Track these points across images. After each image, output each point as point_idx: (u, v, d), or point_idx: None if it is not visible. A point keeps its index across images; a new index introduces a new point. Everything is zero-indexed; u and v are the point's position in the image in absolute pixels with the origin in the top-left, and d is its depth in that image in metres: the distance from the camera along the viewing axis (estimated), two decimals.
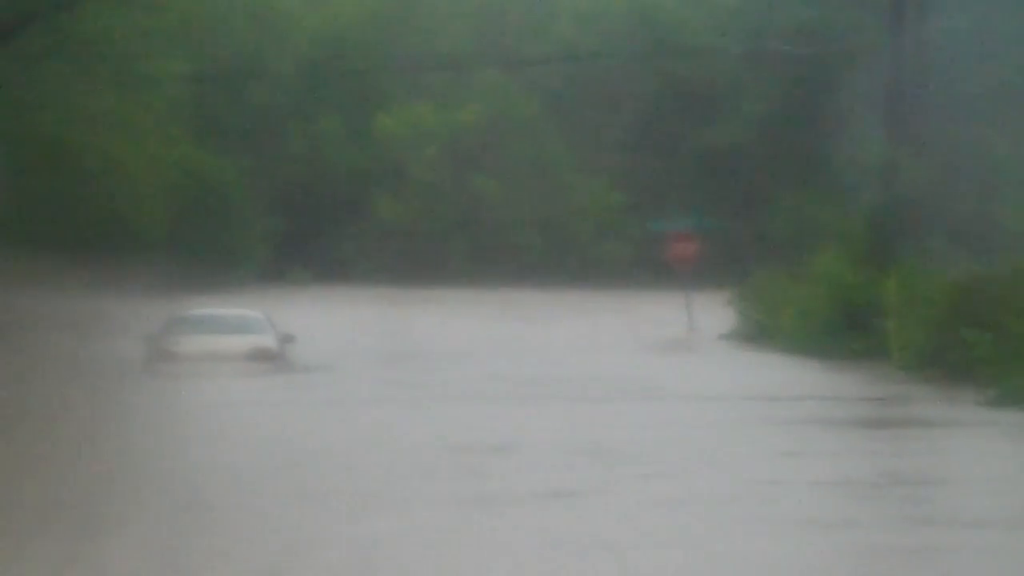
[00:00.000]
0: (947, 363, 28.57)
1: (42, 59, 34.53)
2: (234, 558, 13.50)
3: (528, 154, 68.52)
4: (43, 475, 19.50)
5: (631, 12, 67.85)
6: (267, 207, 62.89)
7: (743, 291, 42.12)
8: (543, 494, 16.96)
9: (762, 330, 39.54)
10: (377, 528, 14.42)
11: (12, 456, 21.44)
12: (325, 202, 68.18)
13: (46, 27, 33.88)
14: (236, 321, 34.58)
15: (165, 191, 41.94)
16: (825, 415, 25.39)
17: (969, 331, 28.01)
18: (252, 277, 53.53)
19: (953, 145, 41.87)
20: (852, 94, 46.56)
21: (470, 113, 68.06)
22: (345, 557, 13.42)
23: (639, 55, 66.52)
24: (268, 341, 32.87)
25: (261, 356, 32.18)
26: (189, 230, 48.78)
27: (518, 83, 69.96)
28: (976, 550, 13.07)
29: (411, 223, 67.92)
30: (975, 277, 30.48)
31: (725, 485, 17.61)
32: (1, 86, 32.89)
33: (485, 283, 58.21)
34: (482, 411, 25.74)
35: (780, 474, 19.14)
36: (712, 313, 40.73)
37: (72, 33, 34.29)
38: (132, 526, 15.50)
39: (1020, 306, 27.69)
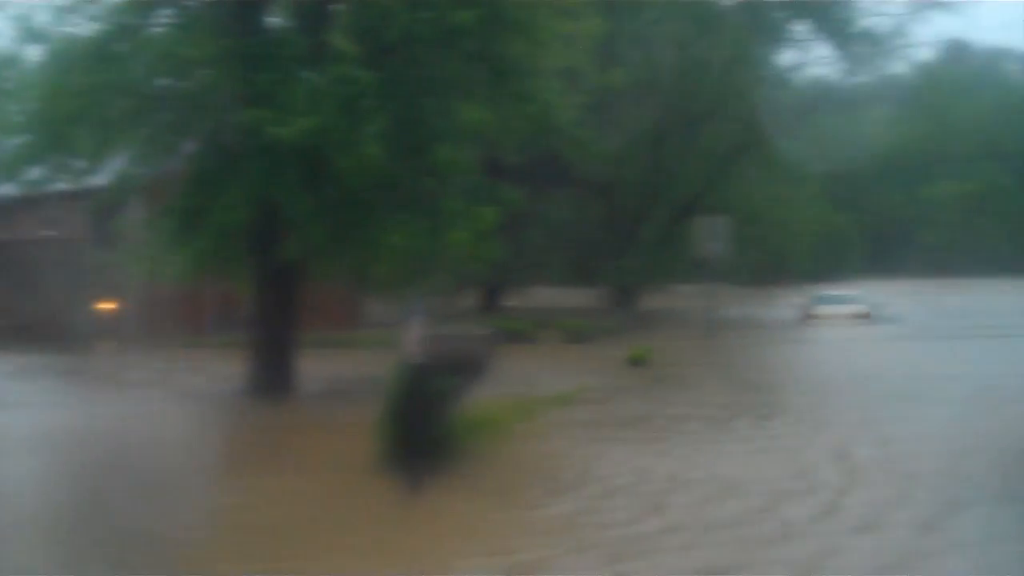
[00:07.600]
0: None
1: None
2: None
3: None
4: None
5: None
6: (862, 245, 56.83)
7: None
8: None
9: None
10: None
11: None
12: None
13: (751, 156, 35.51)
14: (847, 298, 35.75)
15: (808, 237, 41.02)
16: None
17: None
18: (852, 276, 50.18)
19: None
20: None
21: None
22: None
23: None
24: (864, 309, 34.31)
25: (860, 316, 33.55)
26: (826, 259, 47.63)
27: None
28: None
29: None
30: None
31: None
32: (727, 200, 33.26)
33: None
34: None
35: None
36: None
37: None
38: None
39: None
